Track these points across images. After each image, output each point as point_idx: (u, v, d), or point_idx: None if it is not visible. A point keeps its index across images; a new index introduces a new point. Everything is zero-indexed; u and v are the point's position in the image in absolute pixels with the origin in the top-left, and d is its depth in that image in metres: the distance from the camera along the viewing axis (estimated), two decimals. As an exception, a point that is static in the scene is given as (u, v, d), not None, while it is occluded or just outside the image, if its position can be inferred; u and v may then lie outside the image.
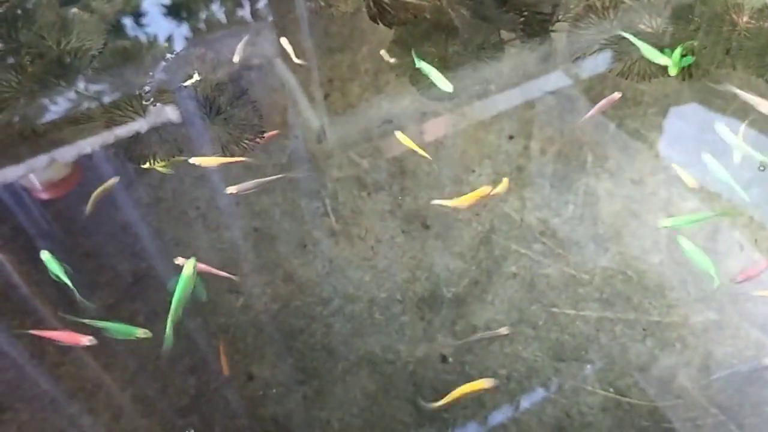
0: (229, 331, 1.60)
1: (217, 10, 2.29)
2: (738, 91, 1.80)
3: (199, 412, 1.50)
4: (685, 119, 1.87)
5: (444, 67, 2.01)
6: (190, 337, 1.60)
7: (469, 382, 1.49)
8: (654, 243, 1.67)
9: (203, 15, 2.28)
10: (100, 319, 1.51)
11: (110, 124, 1.94)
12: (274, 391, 1.51)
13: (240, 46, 2.07)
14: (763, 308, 1.55)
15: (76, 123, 1.95)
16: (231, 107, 1.97)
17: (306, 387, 1.52)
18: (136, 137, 1.92)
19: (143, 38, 2.18)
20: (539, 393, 1.50)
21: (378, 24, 2.14)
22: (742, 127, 1.77)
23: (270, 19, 2.26)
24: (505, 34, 2.09)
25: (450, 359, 1.54)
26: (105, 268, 1.70)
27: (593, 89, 1.96)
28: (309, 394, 1.51)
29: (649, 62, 1.92)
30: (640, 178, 1.78)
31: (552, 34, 2.08)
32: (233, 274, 1.62)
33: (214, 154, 1.89)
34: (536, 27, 2.09)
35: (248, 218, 1.77)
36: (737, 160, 1.76)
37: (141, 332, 1.48)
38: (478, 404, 1.48)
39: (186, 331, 1.60)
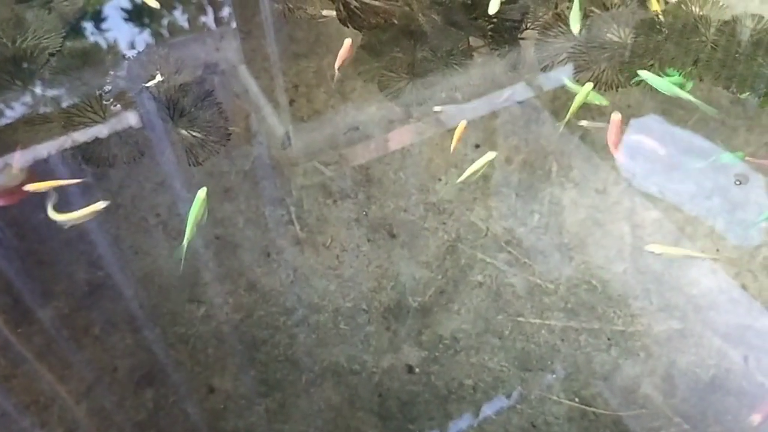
0: (189, 341, 1.56)
1: (180, 14, 2.24)
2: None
3: (158, 427, 1.46)
4: (649, 129, 1.89)
5: (412, 73, 2.00)
6: (148, 347, 1.56)
7: (436, 393, 1.48)
8: (618, 252, 1.68)
9: (167, 17, 2.22)
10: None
11: (68, 126, 1.88)
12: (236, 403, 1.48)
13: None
14: (726, 316, 1.57)
15: (31, 125, 1.89)
16: (195, 109, 1.93)
17: (269, 399, 1.49)
18: (96, 140, 1.86)
19: (103, 38, 2.12)
20: (505, 402, 1.49)
21: (348, 27, 2.11)
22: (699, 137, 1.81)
23: (234, 24, 2.23)
24: (473, 41, 2.08)
25: (416, 370, 1.52)
26: (60, 277, 1.65)
27: (559, 99, 1.96)
28: (272, 407, 1.48)
29: (618, 71, 1.94)
30: (604, 187, 1.79)
31: (521, 41, 2.08)
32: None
33: (176, 156, 1.85)
34: (505, 34, 2.09)
35: (210, 226, 1.73)
36: (698, 169, 1.79)
37: None
38: (444, 415, 1.47)
39: (144, 341, 1.56)
